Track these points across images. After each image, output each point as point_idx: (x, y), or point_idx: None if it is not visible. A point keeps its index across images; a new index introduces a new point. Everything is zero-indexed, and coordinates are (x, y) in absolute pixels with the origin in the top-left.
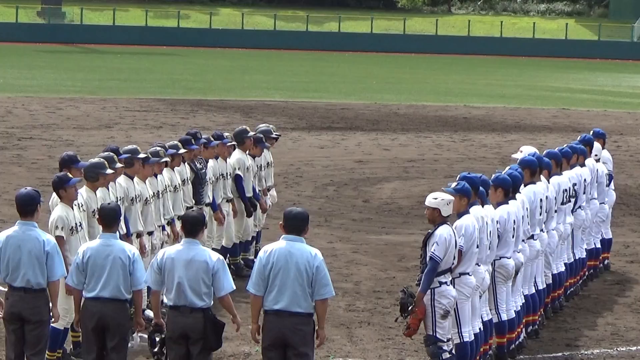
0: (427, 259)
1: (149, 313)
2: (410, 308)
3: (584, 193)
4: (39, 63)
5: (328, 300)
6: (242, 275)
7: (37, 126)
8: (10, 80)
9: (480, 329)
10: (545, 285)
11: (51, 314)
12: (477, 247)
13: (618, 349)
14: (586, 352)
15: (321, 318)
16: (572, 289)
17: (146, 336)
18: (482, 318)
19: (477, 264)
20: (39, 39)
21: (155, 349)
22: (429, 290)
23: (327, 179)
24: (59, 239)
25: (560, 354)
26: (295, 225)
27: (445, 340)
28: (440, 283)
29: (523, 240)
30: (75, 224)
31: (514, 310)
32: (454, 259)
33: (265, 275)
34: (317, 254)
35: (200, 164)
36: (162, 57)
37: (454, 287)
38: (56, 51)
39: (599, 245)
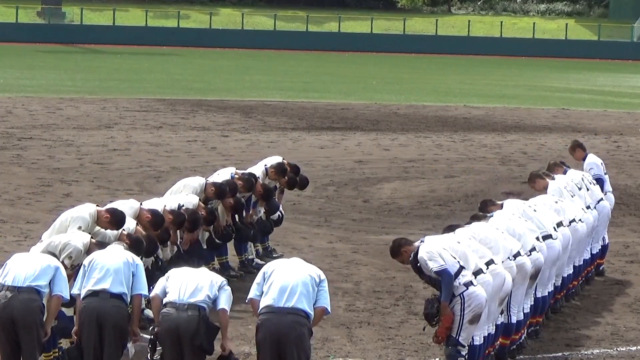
0: (436, 275)
1: (148, 312)
2: (436, 318)
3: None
4: (39, 63)
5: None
6: (230, 275)
7: (37, 126)
8: (10, 80)
9: (490, 332)
10: (553, 288)
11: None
12: (459, 242)
13: (618, 349)
14: (586, 352)
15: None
16: (572, 290)
17: (141, 342)
18: (496, 322)
19: (491, 262)
20: (39, 39)
21: (155, 356)
22: (458, 297)
23: (327, 179)
24: (64, 265)
25: (560, 354)
26: None
27: (465, 345)
28: (466, 285)
29: (538, 239)
30: (79, 264)
31: (523, 312)
32: (456, 258)
33: (264, 278)
34: (316, 269)
35: None
36: (162, 57)
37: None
38: (56, 51)
39: (595, 251)
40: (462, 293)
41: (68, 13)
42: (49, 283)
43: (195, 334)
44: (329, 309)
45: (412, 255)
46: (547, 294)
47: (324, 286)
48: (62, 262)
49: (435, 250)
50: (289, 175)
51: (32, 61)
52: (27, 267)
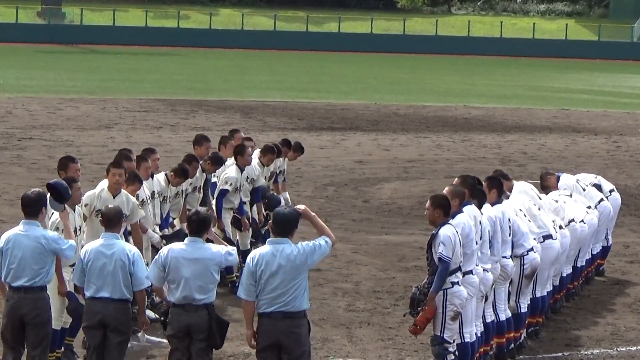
0: (437, 260)
1: (150, 313)
2: (420, 308)
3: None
4: (39, 63)
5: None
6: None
7: (37, 126)
8: (10, 80)
9: (481, 330)
10: (552, 288)
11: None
12: (476, 243)
13: (618, 349)
14: (586, 352)
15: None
16: (572, 290)
17: (153, 337)
18: (484, 319)
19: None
20: (39, 39)
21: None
22: (442, 292)
23: (327, 179)
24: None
25: (560, 354)
26: (282, 226)
27: (452, 341)
28: (453, 283)
29: (536, 239)
30: (75, 228)
31: (520, 311)
32: (461, 256)
33: (254, 280)
34: (299, 249)
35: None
36: (162, 57)
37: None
38: (56, 51)
39: (595, 251)
40: (447, 289)
41: (68, 13)
42: (51, 264)
43: (208, 333)
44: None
45: (440, 224)
46: (545, 294)
47: (318, 250)
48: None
49: (454, 240)
50: (280, 149)
51: (32, 61)
52: (27, 265)
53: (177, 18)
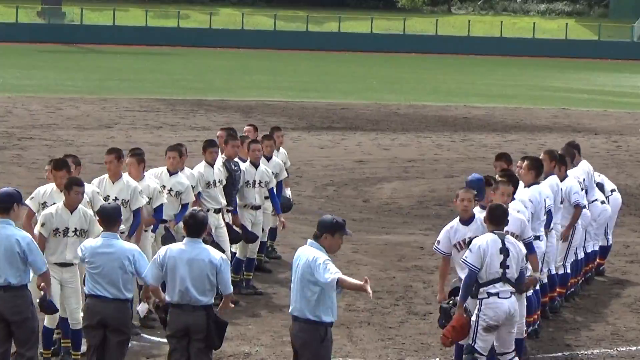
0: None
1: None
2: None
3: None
4: (39, 63)
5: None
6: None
7: (37, 126)
8: (10, 80)
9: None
10: (538, 287)
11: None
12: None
13: (618, 349)
14: (586, 352)
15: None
16: (572, 290)
17: (152, 337)
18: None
19: None
20: (39, 39)
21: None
22: (478, 301)
23: (327, 179)
24: (40, 236)
25: (560, 354)
26: (317, 227)
27: (484, 354)
28: (489, 294)
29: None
30: (66, 227)
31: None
32: (500, 267)
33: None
34: (315, 257)
35: (235, 166)
36: (162, 57)
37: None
38: (56, 51)
39: (590, 249)
40: (482, 299)
41: (68, 13)
42: (28, 264)
43: (207, 334)
44: None
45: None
46: (532, 293)
47: (319, 266)
48: (40, 234)
49: (485, 250)
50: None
51: (32, 61)
52: (2, 265)
53: (177, 18)
